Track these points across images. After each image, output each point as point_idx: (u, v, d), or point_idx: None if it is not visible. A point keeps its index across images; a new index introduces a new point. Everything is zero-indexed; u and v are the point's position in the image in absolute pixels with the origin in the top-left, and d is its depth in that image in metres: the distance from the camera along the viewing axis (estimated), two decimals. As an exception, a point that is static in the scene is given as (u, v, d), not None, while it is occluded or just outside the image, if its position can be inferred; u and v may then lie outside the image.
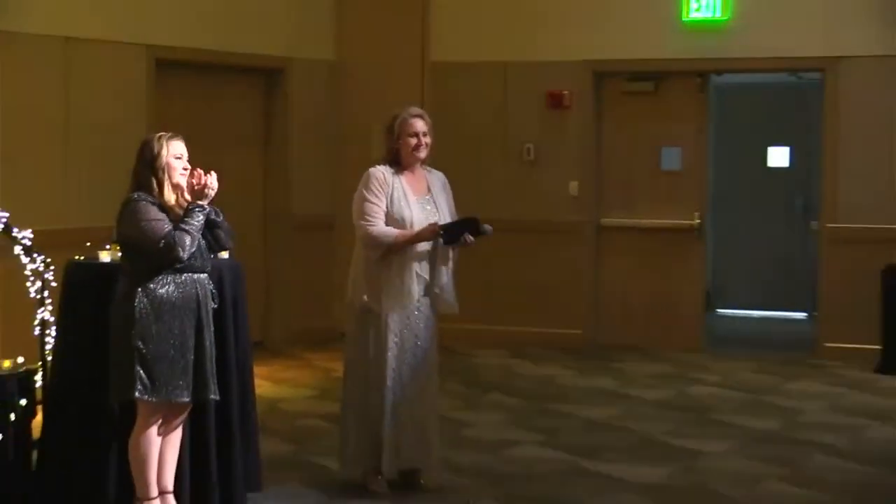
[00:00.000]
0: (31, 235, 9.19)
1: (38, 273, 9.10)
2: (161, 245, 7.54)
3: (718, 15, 14.70)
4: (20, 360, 8.65)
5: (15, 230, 9.12)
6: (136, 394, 7.62)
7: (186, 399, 7.77)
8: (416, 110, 8.94)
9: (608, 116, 15.29)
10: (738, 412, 11.68)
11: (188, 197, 7.70)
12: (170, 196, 7.72)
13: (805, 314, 16.59)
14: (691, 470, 9.63)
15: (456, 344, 13.69)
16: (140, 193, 7.72)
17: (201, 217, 7.67)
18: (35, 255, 9.10)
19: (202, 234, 7.73)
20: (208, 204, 7.73)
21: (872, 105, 14.28)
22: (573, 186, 15.18)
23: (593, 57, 15.07)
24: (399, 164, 8.80)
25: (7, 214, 9.13)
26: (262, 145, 14.92)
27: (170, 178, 7.74)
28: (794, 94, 16.01)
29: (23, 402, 8.30)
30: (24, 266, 9.11)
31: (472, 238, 8.77)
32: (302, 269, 14.86)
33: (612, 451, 10.14)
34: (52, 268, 9.04)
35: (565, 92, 15.18)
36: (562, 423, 11.22)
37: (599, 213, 15.25)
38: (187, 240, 7.57)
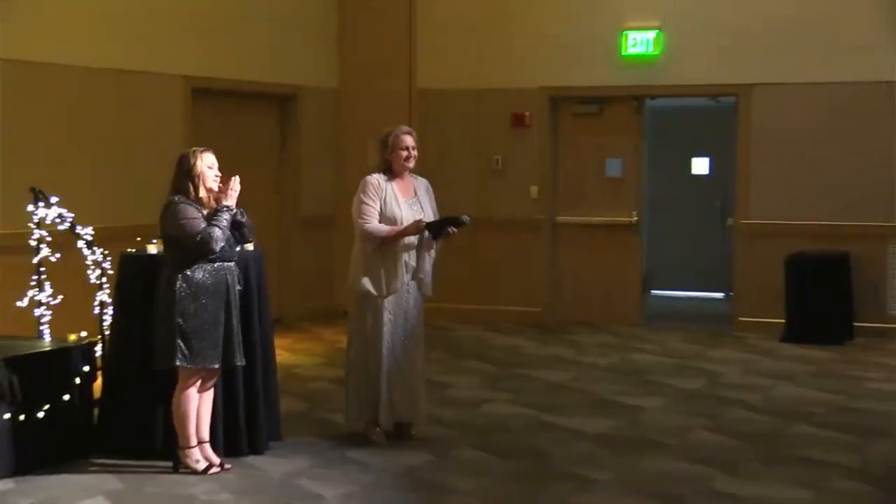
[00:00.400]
0: (92, 232, 9.18)
1: (97, 263, 9.09)
2: (198, 239, 7.60)
3: (651, 50, 14.69)
4: (83, 334, 8.66)
5: (78, 228, 9.12)
6: (177, 361, 7.67)
7: (217, 365, 7.82)
8: (405, 128, 8.95)
9: (562, 133, 15.28)
10: (671, 375, 11.70)
11: (217, 199, 7.77)
12: (203, 198, 7.77)
13: (723, 294, 16.60)
14: (634, 422, 9.65)
15: (439, 320, 13.69)
16: (179, 196, 7.76)
17: (228, 216, 7.72)
18: (95, 249, 9.10)
19: (230, 231, 7.79)
20: (234, 205, 7.79)
21: (777, 123, 14.27)
22: (533, 190, 15.17)
23: (549, 84, 15.05)
24: (391, 172, 8.80)
25: (72, 215, 9.12)
26: (277, 157, 14.87)
27: (203, 183, 7.78)
28: (713, 115, 16.00)
29: (85, 368, 8.32)
30: (85, 257, 9.10)
31: (454, 229, 8.79)
32: (310, 259, 14.87)
33: (569, 407, 10.14)
34: (108, 258, 9.04)
35: (526, 113, 15.15)
36: (527, 384, 11.23)
37: (555, 212, 15.21)
38: (218, 234, 7.62)
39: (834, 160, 14.06)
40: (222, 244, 7.70)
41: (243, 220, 7.93)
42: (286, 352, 12.31)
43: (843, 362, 12.43)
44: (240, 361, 7.96)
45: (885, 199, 13.90)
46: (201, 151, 7.89)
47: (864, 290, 13.88)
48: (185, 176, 7.80)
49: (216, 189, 7.79)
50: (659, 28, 14.66)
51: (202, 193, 7.79)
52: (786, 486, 7.78)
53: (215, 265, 7.75)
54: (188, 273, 7.69)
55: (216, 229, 7.64)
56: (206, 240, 7.61)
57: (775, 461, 8.45)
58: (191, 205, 7.73)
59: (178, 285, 7.68)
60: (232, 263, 7.90)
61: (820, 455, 8.58)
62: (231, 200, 7.77)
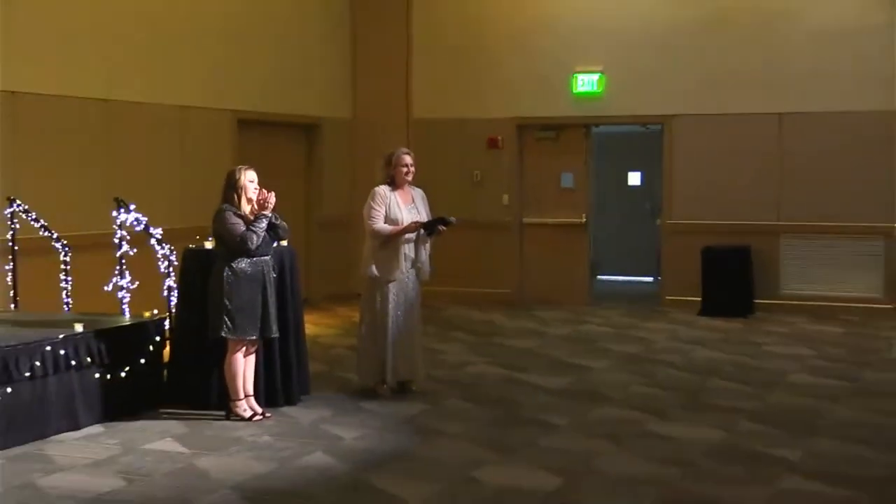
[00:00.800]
0: (161, 232, 9.19)
1: (165, 256, 9.11)
2: (238, 240, 7.65)
3: (596, 89, 14.71)
4: (155, 311, 8.70)
5: (151, 229, 9.13)
6: (224, 333, 7.70)
7: (255, 336, 7.85)
8: (405, 149, 8.99)
9: (527, 153, 15.25)
10: (613, 341, 11.70)
11: (257, 207, 7.79)
12: (245, 207, 7.79)
13: (653, 278, 16.62)
14: (584, 380, 9.64)
15: (433, 300, 13.62)
16: (226, 205, 7.79)
17: (264, 222, 7.77)
18: (164, 244, 9.11)
19: (266, 232, 7.81)
20: (270, 212, 7.81)
21: (694, 145, 14.28)
22: (505, 198, 15.15)
23: (517, 115, 15.04)
24: (394, 184, 8.81)
25: (146, 218, 9.15)
26: (304, 173, 14.82)
27: (245, 194, 7.81)
28: (644, 138, 16.02)
29: (157, 338, 8.34)
30: (156, 252, 9.12)
31: (444, 227, 8.82)
32: (331, 252, 14.82)
33: (534, 368, 10.15)
34: (174, 252, 9.05)
35: (499, 137, 15.13)
36: (501, 350, 11.23)
37: (522, 215, 15.17)
38: (254, 238, 7.69)
39: (737, 173, 14.07)
40: (259, 243, 7.74)
41: (278, 223, 7.95)
42: (312, 325, 12.26)
43: (746, 331, 12.45)
44: (274, 333, 7.98)
45: (776, 203, 13.94)
46: (244, 169, 7.92)
47: (762, 275, 13.91)
48: (231, 188, 7.83)
49: (255, 199, 7.82)
50: (602, 71, 14.66)
51: (244, 203, 7.82)
52: (702, 427, 7.80)
53: (254, 259, 7.78)
54: (233, 264, 7.72)
55: (252, 233, 7.69)
56: (245, 240, 7.66)
57: (694, 408, 8.47)
58: (235, 211, 7.76)
59: (225, 274, 7.71)
60: (268, 257, 7.92)
61: (728, 403, 8.61)
62: (267, 210, 7.80)
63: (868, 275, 13.61)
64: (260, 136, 13.68)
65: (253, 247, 7.68)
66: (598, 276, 16.45)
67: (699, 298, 13.83)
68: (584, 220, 15.01)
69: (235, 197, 7.79)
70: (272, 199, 7.81)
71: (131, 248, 9.13)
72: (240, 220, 7.71)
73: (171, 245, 9.15)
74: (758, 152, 14.02)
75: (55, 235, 9.43)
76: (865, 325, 12.80)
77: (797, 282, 13.91)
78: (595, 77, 14.69)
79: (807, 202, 13.81)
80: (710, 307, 13.64)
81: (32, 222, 9.43)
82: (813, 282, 13.83)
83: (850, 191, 13.62)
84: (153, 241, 9.11)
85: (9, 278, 9.48)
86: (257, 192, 7.82)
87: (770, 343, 11.59)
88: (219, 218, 7.76)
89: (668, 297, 14.44)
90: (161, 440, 7.34)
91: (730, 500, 6.06)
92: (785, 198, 13.92)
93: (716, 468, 6.75)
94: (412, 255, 8.82)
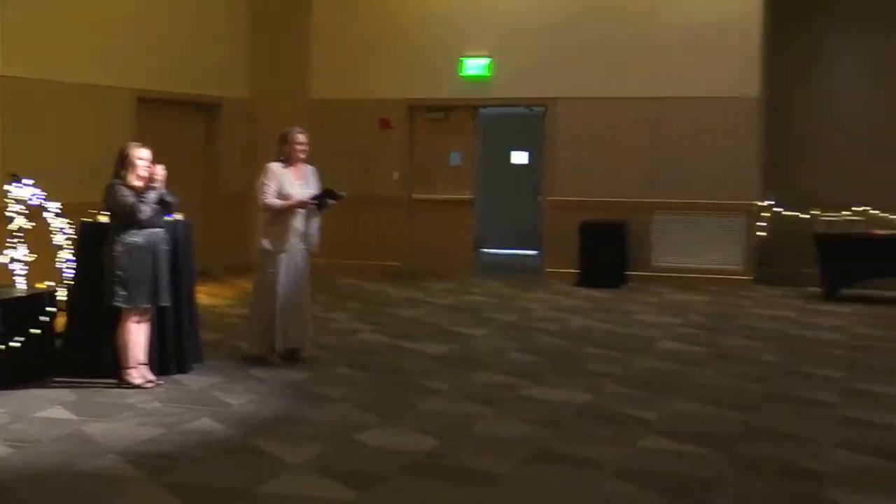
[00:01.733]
0: (60, 206, 8.89)
1: (61, 229, 8.82)
2: (128, 210, 7.46)
3: (483, 73, 14.73)
4: (50, 283, 8.43)
5: (47, 203, 8.84)
6: (116, 301, 7.50)
7: (148, 304, 7.66)
8: (299, 129, 8.86)
9: (417, 133, 15.20)
10: (495, 311, 11.72)
11: (147, 183, 7.60)
12: (133, 181, 7.58)
13: (535, 251, 16.69)
14: (466, 346, 9.64)
15: (326, 271, 13.57)
16: (116, 180, 7.59)
17: (153, 194, 7.57)
18: (60, 218, 8.83)
19: (158, 205, 7.62)
20: (159, 186, 7.62)
21: (575, 126, 14.39)
22: (396, 175, 15.11)
23: (408, 97, 15.00)
24: (288, 161, 8.68)
25: (45, 194, 8.85)
26: (204, 151, 14.56)
27: (134, 170, 7.61)
28: (528, 120, 16.06)
29: (51, 308, 8.07)
30: (52, 225, 8.83)
31: (333, 201, 8.72)
32: (229, 226, 14.55)
33: (419, 335, 10.11)
34: (70, 225, 8.77)
35: (391, 118, 15.08)
36: (389, 319, 11.15)
37: (412, 191, 15.15)
38: (144, 208, 7.49)
39: (614, 153, 14.23)
40: (150, 215, 7.54)
41: (168, 198, 7.77)
42: (208, 296, 12.10)
43: (619, 301, 12.58)
44: (166, 302, 7.80)
45: (649, 181, 14.09)
46: (136, 146, 7.74)
47: (635, 249, 14.09)
48: (122, 164, 7.65)
49: (145, 175, 7.61)
50: (490, 56, 14.65)
51: (134, 178, 7.61)
52: (574, 390, 7.83)
53: (146, 231, 7.58)
54: (125, 237, 7.52)
55: (141, 204, 7.49)
56: (134, 210, 7.49)
57: (567, 373, 8.51)
58: (124, 185, 7.56)
59: (118, 245, 7.50)
60: (160, 229, 7.73)
61: (599, 368, 8.67)
62: (157, 184, 7.61)
63: (730, 248, 13.87)
64: (160, 114, 13.35)
65: (143, 217, 7.49)
66: (484, 250, 16.47)
67: (577, 270, 13.93)
68: (471, 196, 15.00)
69: (125, 173, 7.60)
70: (160, 172, 7.63)
71: (29, 221, 8.81)
72: (129, 194, 7.53)
73: (70, 219, 8.86)
74: (633, 134, 14.17)
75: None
76: (727, 294, 13.04)
77: (667, 255, 14.09)
78: (483, 62, 14.69)
79: (677, 181, 13.99)
80: (587, 278, 13.74)
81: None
82: (681, 255, 14.02)
83: (715, 170, 13.84)
84: (48, 214, 8.81)
85: None
86: (148, 169, 7.63)
87: (640, 312, 11.71)
88: (109, 192, 7.56)
89: (548, 269, 14.52)
90: (51, 408, 7.09)
91: (595, 459, 6.07)
92: (657, 177, 14.08)
93: (584, 429, 6.78)
94: (302, 228, 8.68)
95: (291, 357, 8.74)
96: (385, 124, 15.06)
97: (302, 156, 8.74)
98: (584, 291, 13.26)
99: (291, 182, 8.62)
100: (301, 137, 8.72)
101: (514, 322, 10.98)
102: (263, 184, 8.56)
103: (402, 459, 6.06)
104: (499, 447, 6.33)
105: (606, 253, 13.82)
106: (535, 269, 15.08)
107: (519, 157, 17.66)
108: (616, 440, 6.50)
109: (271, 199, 8.52)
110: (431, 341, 9.81)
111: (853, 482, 5.74)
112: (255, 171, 8.76)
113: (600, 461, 6.03)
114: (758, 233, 13.81)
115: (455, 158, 15.09)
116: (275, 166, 8.64)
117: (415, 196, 15.13)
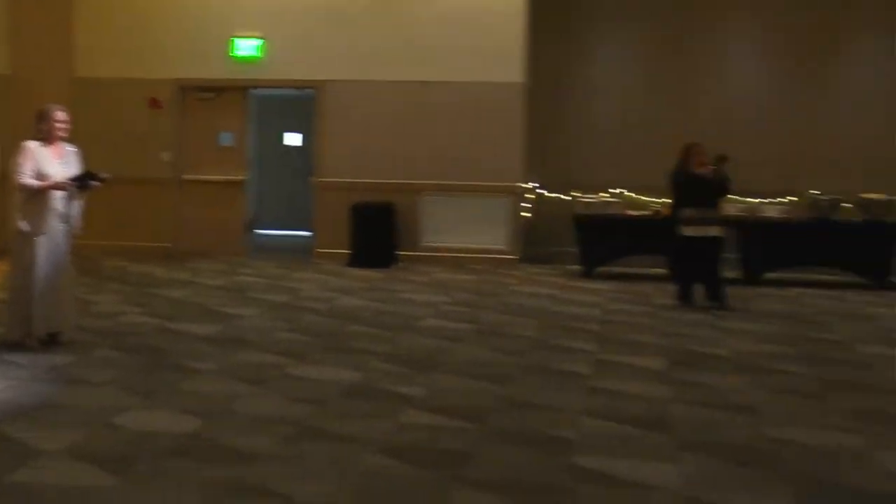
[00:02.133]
0: None
1: None
2: None
3: (255, 54, 14.56)
4: None
5: None
6: None
7: None
8: (60, 106, 8.55)
9: (188, 113, 14.86)
10: (265, 291, 11.63)
11: None
12: None
13: (308, 232, 16.65)
14: (234, 326, 9.55)
15: (91, 253, 13.08)
16: None
17: None
18: None
19: None
20: None
21: (345, 109, 14.43)
22: (165, 155, 14.75)
23: (179, 76, 14.66)
24: (47, 139, 8.35)
25: None
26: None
27: None
28: (299, 102, 15.99)
29: None
30: None
31: (96, 183, 8.42)
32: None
33: (186, 317, 9.94)
34: None
35: (161, 98, 14.72)
36: (155, 300, 10.91)
37: (182, 172, 14.83)
38: None
39: (383, 135, 14.36)
40: None
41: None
42: (-35, 279, 11.51)
43: (388, 280, 12.72)
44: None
45: (417, 163, 14.30)
46: None
47: (404, 229, 14.27)
48: None
49: None
50: (262, 37, 14.51)
51: None
52: (339, 368, 7.89)
53: None
54: None
55: None
56: None
57: (333, 351, 8.56)
58: None
59: None
60: None
61: (365, 346, 8.76)
62: None
63: (496, 229, 14.23)
64: None
65: None
66: (258, 231, 16.31)
67: (348, 251, 14.00)
68: (242, 177, 14.82)
69: None
70: None
71: None
72: None
73: None
74: (402, 117, 14.34)
75: None
76: (493, 273, 13.40)
77: (435, 235, 14.34)
78: (255, 42, 14.52)
79: (444, 163, 14.25)
80: (358, 259, 13.83)
81: None
82: (449, 235, 14.30)
83: (481, 153, 14.17)
84: None
85: None
86: None
87: (408, 291, 11.88)
88: None
89: (319, 250, 14.51)
90: None
91: (357, 435, 6.15)
92: (425, 159, 14.30)
93: (347, 405, 6.85)
94: (62, 209, 8.37)
95: (52, 341, 8.42)
96: (155, 104, 14.68)
97: (62, 134, 8.41)
98: (355, 272, 13.33)
99: (50, 161, 8.30)
100: (60, 115, 8.40)
101: (284, 302, 10.94)
102: (19, 163, 8.23)
103: (163, 441, 5.97)
104: (262, 426, 6.32)
105: (377, 234, 13.95)
106: (307, 249, 15.01)
107: (293, 139, 17.53)
108: (379, 416, 6.60)
109: (28, 179, 8.19)
110: (199, 322, 9.67)
111: (599, 448, 6.04)
112: (14, 151, 8.39)
113: (362, 437, 6.11)
114: (522, 213, 14.24)
115: (226, 139, 14.86)
116: (32, 145, 8.29)
117: (185, 177, 14.81)
